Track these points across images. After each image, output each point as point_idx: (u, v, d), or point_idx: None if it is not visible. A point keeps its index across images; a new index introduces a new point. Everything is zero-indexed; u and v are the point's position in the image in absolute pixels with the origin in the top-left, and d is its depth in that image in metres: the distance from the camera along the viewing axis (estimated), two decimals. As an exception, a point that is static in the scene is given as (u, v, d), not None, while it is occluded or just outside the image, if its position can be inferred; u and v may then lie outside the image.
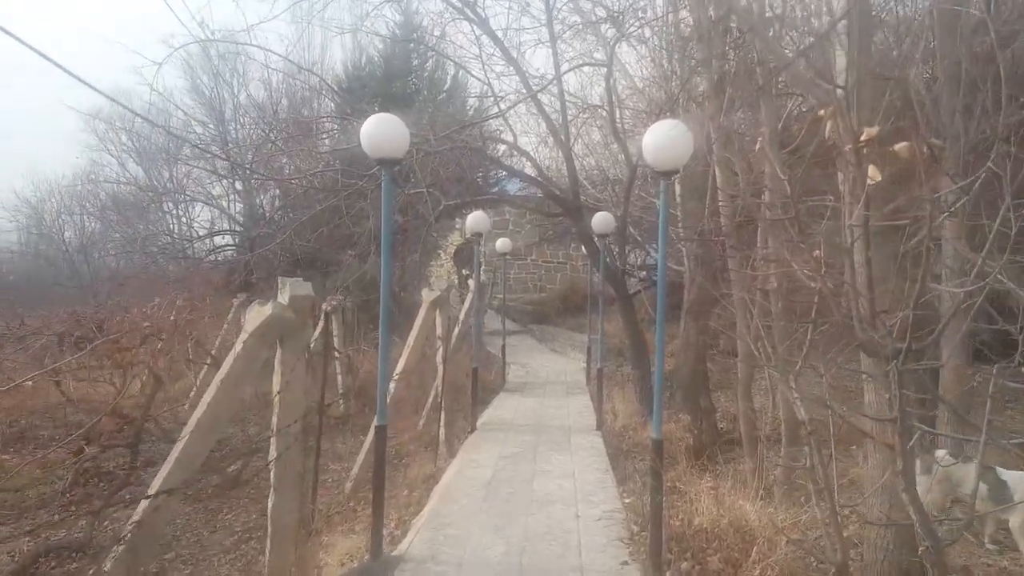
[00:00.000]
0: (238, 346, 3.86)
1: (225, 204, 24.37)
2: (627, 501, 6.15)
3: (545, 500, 6.04)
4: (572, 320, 18.26)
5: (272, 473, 4.11)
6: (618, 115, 9.33)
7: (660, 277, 4.64)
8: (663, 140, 4.37)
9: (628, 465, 7.71)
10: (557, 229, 18.69)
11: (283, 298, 3.98)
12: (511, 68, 9.24)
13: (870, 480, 5.32)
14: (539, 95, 9.21)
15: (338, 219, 12.15)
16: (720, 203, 7.78)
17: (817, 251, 5.34)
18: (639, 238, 11.89)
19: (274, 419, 4.08)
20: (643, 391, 9.95)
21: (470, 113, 10.89)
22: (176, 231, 25.69)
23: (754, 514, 5.08)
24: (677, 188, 10.72)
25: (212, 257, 23.32)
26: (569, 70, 8.92)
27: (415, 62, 19.18)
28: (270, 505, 4.13)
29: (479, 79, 9.41)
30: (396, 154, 4.71)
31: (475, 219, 9.26)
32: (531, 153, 10.50)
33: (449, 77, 18.43)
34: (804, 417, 3.45)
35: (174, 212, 26.70)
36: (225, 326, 17.01)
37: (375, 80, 16.97)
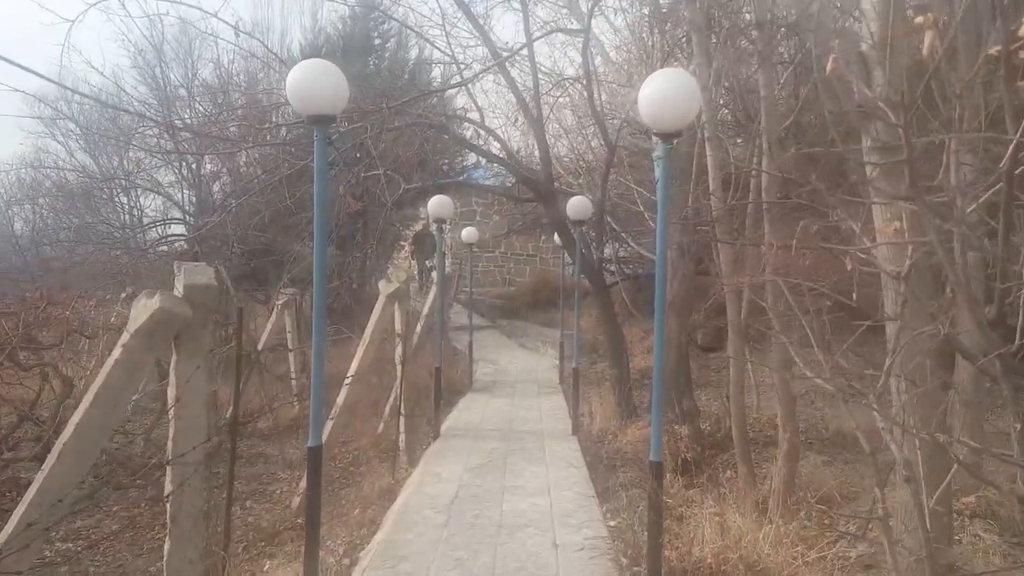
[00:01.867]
0: (116, 351, 2.92)
1: (175, 193, 23.00)
2: (612, 524, 5.33)
3: (517, 524, 5.19)
4: (543, 315, 17.43)
5: (168, 513, 3.19)
6: (595, 90, 8.47)
7: (659, 263, 3.80)
8: (664, 92, 3.53)
9: (610, 477, 6.90)
10: (527, 220, 17.82)
11: (177, 288, 3.06)
12: (477, 38, 8.34)
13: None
14: (509, 71, 8.32)
15: (281, 203, 11.14)
16: (711, 183, 6.97)
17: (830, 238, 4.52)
18: (615, 227, 11.06)
19: (169, 444, 3.15)
20: (621, 392, 9.15)
21: (434, 100, 9.99)
22: (128, 221, 24.28)
23: (768, 546, 4.27)
24: (657, 170, 9.93)
25: (163, 248, 22.01)
26: (541, 36, 8.06)
27: (376, 41, 18.10)
28: (165, 553, 3.20)
29: (443, 51, 8.47)
30: (331, 109, 3.79)
31: (437, 204, 8.35)
32: (500, 135, 9.60)
33: (413, 58, 17.42)
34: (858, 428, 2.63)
35: (124, 202, 25.23)
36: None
37: (333, 60, 15.85)
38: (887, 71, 3.94)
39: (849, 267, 2.43)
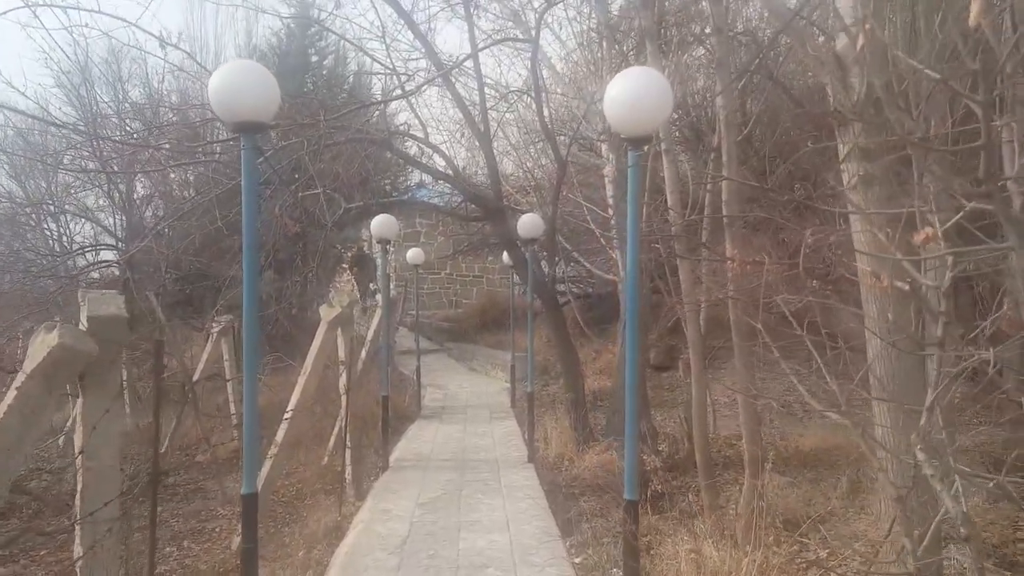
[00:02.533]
0: (10, 395, 2.43)
1: (106, 218, 21.81)
2: (577, 561, 4.96)
3: (476, 564, 4.77)
4: (491, 337, 17.04)
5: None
6: (544, 103, 8.22)
7: (630, 277, 3.49)
8: (633, 93, 3.24)
9: (571, 507, 6.53)
10: (472, 240, 17.46)
11: (82, 321, 2.59)
12: (420, 51, 8.01)
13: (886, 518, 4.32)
14: (454, 84, 7.99)
15: (212, 224, 10.51)
16: (669, 198, 6.76)
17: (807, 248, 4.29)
18: (567, 246, 10.81)
19: (77, 500, 2.64)
20: (577, 415, 8.83)
21: (375, 115, 9.62)
22: (56, 248, 22.99)
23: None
24: (608, 187, 9.75)
25: (94, 274, 20.86)
26: (487, 46, 7.76)
27: (314, 58, 17.59)
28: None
29: (383, 64, 8.08)
30: (259, 116, 3.37)
31: (381, 223, 7.93)
32: (445, 151, 9.25)
33: (351, 75, 16.95)
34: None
35: (53, 229, 23.94)
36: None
37: (281, 81, 15.32)
38: (866, 71, 3.75)
39: (884, 283, 2.12)
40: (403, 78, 7.29)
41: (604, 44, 9.29)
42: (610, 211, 9.78)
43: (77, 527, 2.69)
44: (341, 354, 8.43)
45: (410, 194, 18.18)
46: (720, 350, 11.82)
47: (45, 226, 24.36)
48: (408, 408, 11.68)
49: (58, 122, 13.58)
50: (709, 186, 7.67)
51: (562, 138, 10.20)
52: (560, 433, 8.71)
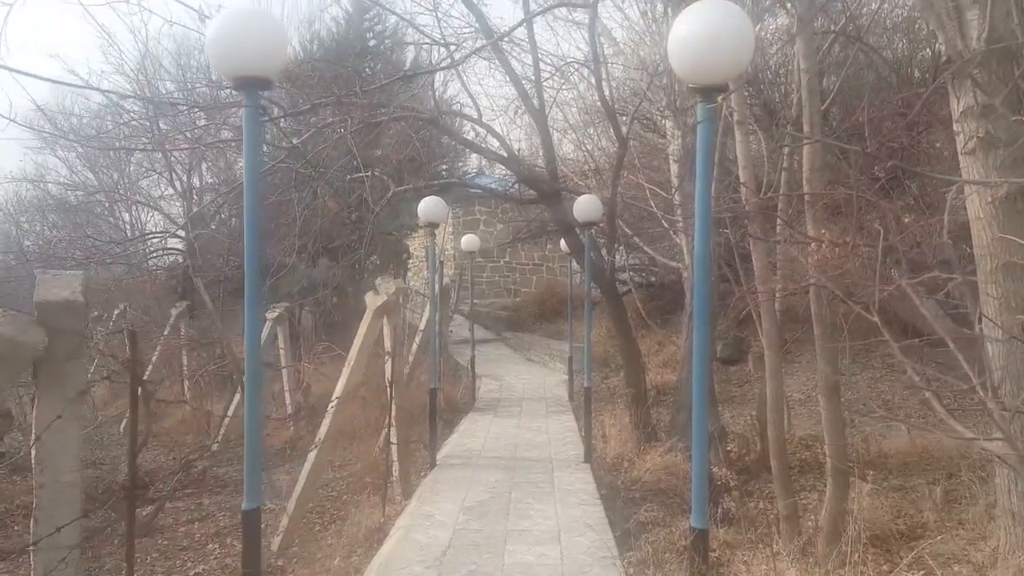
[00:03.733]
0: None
1: (170, 207, 22.24)
2: (637, 583, 4.39)
3: (521, 585, 4.27)
4: (550, 327, 16.50)
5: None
6: (604, 75, 7.59)
7: (698, 260, 2.89)
8: (704, 32, 2.63)
9: (630, 515, 5.96)
10: (532, 227, 16.90)
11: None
12: (472, 25, 7.48)
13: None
14: (508, 59, 7.44)
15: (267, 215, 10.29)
16: (741, 173, 6.06)
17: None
18: (628, 231, 10.15)
19: (32, 522, 2.24)
20: (638, 412, 8.21)
21: (422, 90, 9.18)
22: (126, 236, 23.66)
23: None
24: (672, 166, 9.04)
25: (158, 260, 21.31)
26: (542, 11, 7.17)
27: (371, 42, 17.31)
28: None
29: (430, 38, 7.58)
30: (263, 70, 2.90)
31: (428, 206, 7.46)
32: (499, 132, 8.70)
33: (409, 60, 16.60)
34: None
35: (126, 218, 24.66)
36: (163, 336, 15.11)
37: (326, 64, 15.09)
38: (988, 10, 3.04)
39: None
40: (452, 48, 6.77)
41: (669, 11, 8.57)
42: (674, 193, 9.08)
43: (31, 554, 2.29)
44: (387, 344, 8.05)
45: (467, 179, 17.78)
46: (794, 343, 10.97)
47: (118, 215, 25.13)
48: (462, 400, 11.28)
49: (120, 95, 13.60)
50: (786, 164, 6.93)
51: (623, 118, 9.55)
52: (620, 431, 8.12)
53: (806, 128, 5.67)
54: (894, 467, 8.21)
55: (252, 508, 2.90)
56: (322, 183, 8.01)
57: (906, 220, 5.01)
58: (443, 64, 6.66)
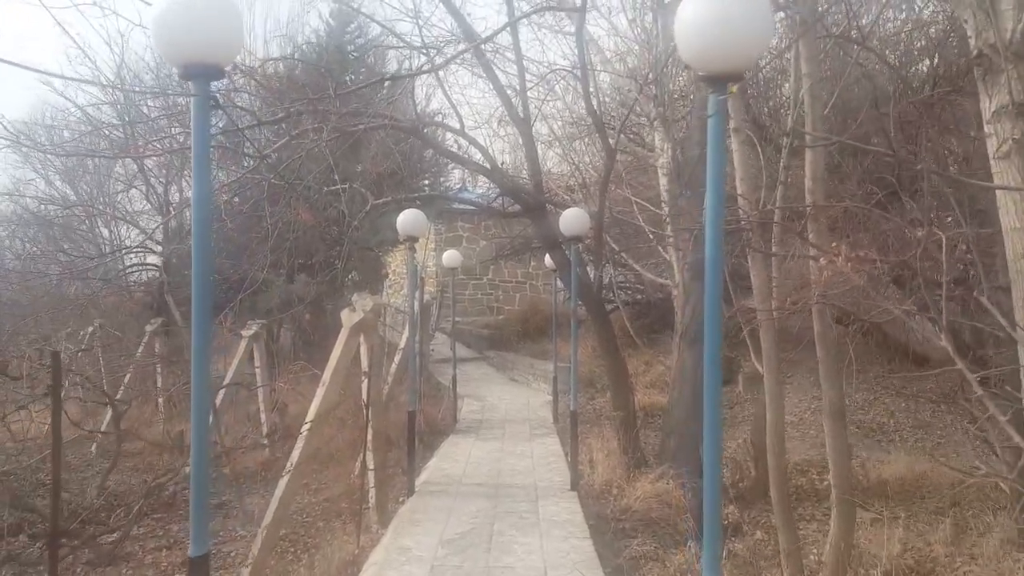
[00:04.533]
0: None
1: (147, 221, 21.68)
2: (631, 629, 4.00)
3: (505, 630, 3.85)
4: (533, 346, 16.10)
5: None
6: (591, 83, 7.29)
7: (710, 266, 2.54)
8: (717, 13, 2.30)
9: (620, 549, 5.56)
10: (516, 244, 16.58)
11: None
12: (454, 32, 7.16)
13: None
14: (492, 68, 7.13)
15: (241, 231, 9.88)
16: (739, 185, 5.76)
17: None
18: (615, 247, 9.84)
19: None
20: (628, 436, 7.84)
21: (399, 96, 8.87)
22: (102, 252, 23.08)
23: None
24: (662, 180, 8.76)
25: (135, 276, 20.74)
26: (528, 14, 6.85)
27: (353, 54, 16.99)
28: None
29: (408, 44, 7.27)
30: (215, 56, 2.55)
31: (408, 219, 7.09)
32: (481, 144, 8.37)
33: (392, 72, 16.30)
34: None
35: (105, 234, 24.10)
36: (138, 354, 14.57)
37: (305, 75, 14.76)
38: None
39: None
40: (433, 53, 6.45)
41: (658, 21, 8.33)
42: (664, 207, 8.80)
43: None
44: (364, 363, 7.64)
45: (452, 201, 17.42)
46: (787, 364, 10.69)
47: (97, 230, 24.54)
48: (443, 421, 10.84)
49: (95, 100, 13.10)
50: (782, 176, 6.64)
51: (610, 130, 9.27)
52: (607, 456, 7.74)
53: (808, 137, 5.39)
54: (894, 495, 7.90)
55: (200, 555, 2.49)
56: (295, 195, 7.61)
57: (919, 233, 4.71)
58: (424, 68, 6.31)
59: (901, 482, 8.09)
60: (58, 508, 2.72)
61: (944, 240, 4.38)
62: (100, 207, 22.00)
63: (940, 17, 7.63)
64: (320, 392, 7.19)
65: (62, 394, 11.74)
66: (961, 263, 4.89)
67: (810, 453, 9.65)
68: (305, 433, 6.98)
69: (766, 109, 10.21)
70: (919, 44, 8.25)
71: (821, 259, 4.52)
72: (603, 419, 10.34)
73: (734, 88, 2.49)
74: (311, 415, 7.06)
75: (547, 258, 9.59)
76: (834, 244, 4.52)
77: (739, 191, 5.78)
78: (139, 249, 20.82)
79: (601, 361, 10.80)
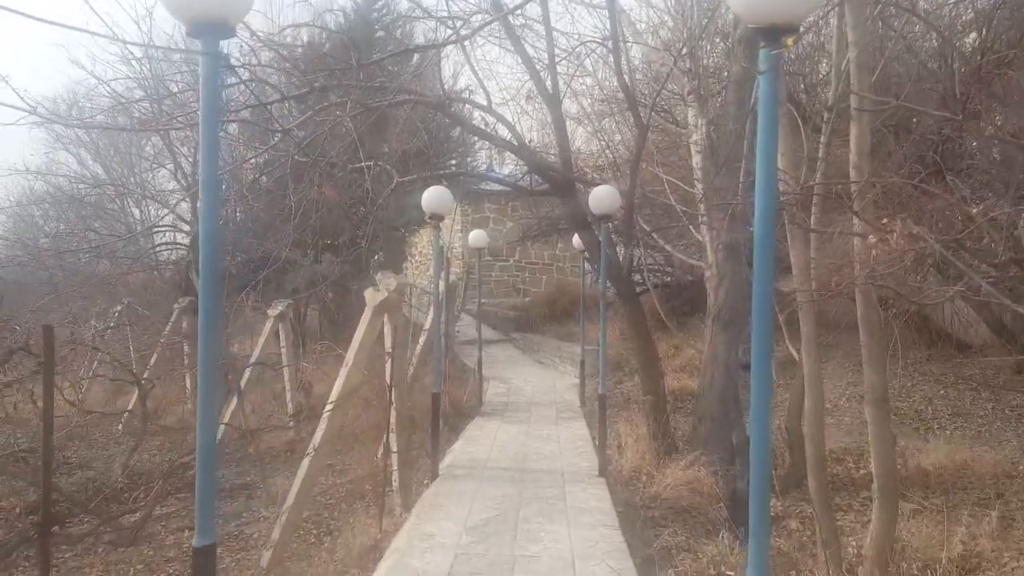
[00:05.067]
0: None
1: (175, 202, 21.79)
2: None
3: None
4: (560, 328, 15.90)
5: None
6: (623, 57, 7.01)
7: (761, 234, 2.31)
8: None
9: (651, 538, 5.38)
10: (543, 225, 16.34)
11: None
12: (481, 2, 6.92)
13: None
14: (516, 33, 6.88)
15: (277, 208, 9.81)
16: (780, 159, 5.47)
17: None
18: (646, 228, 9.57)
19: None
20: (657, 421, 7.63)
21: (425, 70, 8.72)
22: (138, 231, 23.31)
23: None
24: (695, 157, 8.46)
25: (164, 255, 20.90)
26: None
27: (379, 34, 16.77)
28: None
29: (433, 16, 7.05)
30: (223, 12, 2.37)
31: (433, 196, 6.90)
32: (509, 120, 8.12)
33: (421, 58, 16.07)
34: None
35: (135, 213, 24.30)
36: (165, 333, 14.66)
37: (331, 50, 14.59)
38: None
39: None
40: (459, 24, 6.21)
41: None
42: (697, 186, 8.50)
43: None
44: (388, 344, 7.50)
45: (478, 178, 17.19)
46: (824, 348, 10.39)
47: (128, 210, 24.76)
48: (468, 403, 10.71)
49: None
50: (822, 153, 6.33)
51: (642, 106, 8.98)
52: (636, 441, 7.54)
53: (853, 106, 5.09)
54: (934, 484, 7.60)
55: (205, 545, 2.35)
56: (319, 171, 7.47)
57: (974, 210, 4.41)
58: (451, 39, 6.08)
59: (941, 472, 7.78)
60: (49, 495, 2.60)
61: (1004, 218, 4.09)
62: (131, 187, 22.15)
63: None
64: (343, 372, 7.09)
65: (89, 372, 11.76)
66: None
67: (845, 440, 9.36)
68: (328, 414, 6.89)
69: (802, 86, 9.84)
70: (966, 16, 7.84)
71: (870, 237, 4.25)
72: (631, 403, 10.13)
73: (791, 41, 2.24)
74: (334, 396, 6.96)
75: (575, 239, 9.34)
76: (884, 221, 4.25)
77: (780, 167, 5.49)
78: (168, 228, 20.97)
79: (630, 344, 10.56)
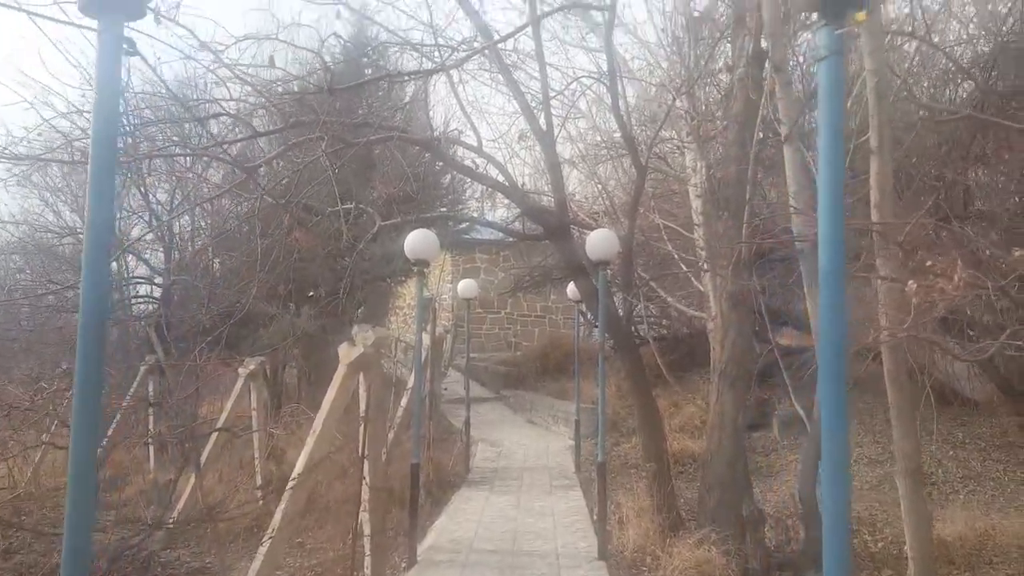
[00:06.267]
0: None
1: (153, 253, 21.07)
2: None
3: None
4: (553, 384, 15.11)
5: None
6: (620, 90, 6.52)
7: (824, 267, 1.66)
8: None
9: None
10: (535, 275, 15.72)
11: None
12: (473, 38, 6.45)
13: None
14: (508, 67, 6.38)
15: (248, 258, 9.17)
16: (791, 198, 4.91)
17: None
18: (644, 275, 8.98)
19: None
20: (662, 491, 6.86)
21: (434, 128, 8.28)
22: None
23: None
24: (694, 202, 7.92)
25: (136, 309, 20.12)
26: (550, 12, 6.10)
27: (368, 76, 16.45)
28: None
29: (418, 50, 6.58)
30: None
31: (417, 240, 6.31)
32: (499, 161, 7.59)
33: (408, 94, 15.70)
34: None
35: (113, 266, 23.59)
36: (129, 395, 13.76)
37: (324, 100, 14.20)
38: None
39: None
40: (446, 53, 5.70)
41: (691, 30, 7.58)
42: (696, 231, 7.95)
43: None
44: (363, 406, 6.75)
45: (471, 226, 16.64)
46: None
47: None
48: (454, 470, 9.87)
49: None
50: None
51: (640, 147, 8.49)
52: (639, 515, 6.74)
53: (873, 142, 4.55)
54: (958, 559, 6.86)
55: None
56: (290, 215, 6.86)
57: (1017, 254, 3.84)
58: (437, 68, 5.55)
59: (963, 543, 7.04)
60: None
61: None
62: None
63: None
64: (310, 441, 6.35)
65: (45, 437, 10.78)
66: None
67: (856, 507, 8.59)
68: (291, 491, 6.13)
69: (812, 122, 9.40)
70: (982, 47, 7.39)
71: (910, 283, 3.62)
72: (630, 468, 9.35)
73: (862, 15, 1.64)
74: (298, 468, 6.21)
75: (570, 287, 8.75)
76: (930, 264, 3.63)
77: (794, 205, 4.93)
78: (139, 280, 20.22)
79: (628, 401, 9.85)
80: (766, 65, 6.35)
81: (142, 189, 16.18)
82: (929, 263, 3.53)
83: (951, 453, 10.02)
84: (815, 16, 1.73)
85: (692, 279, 8.86)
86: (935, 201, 7.56)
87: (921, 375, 8.19)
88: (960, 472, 9.51)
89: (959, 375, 10.32)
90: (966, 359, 5.49)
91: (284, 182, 7.04)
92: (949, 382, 11.25)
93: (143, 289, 20.42)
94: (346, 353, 6.62)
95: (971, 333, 7.87)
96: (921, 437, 10.48)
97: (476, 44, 6.12)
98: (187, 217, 19.10)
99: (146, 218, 18.04)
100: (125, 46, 2.07)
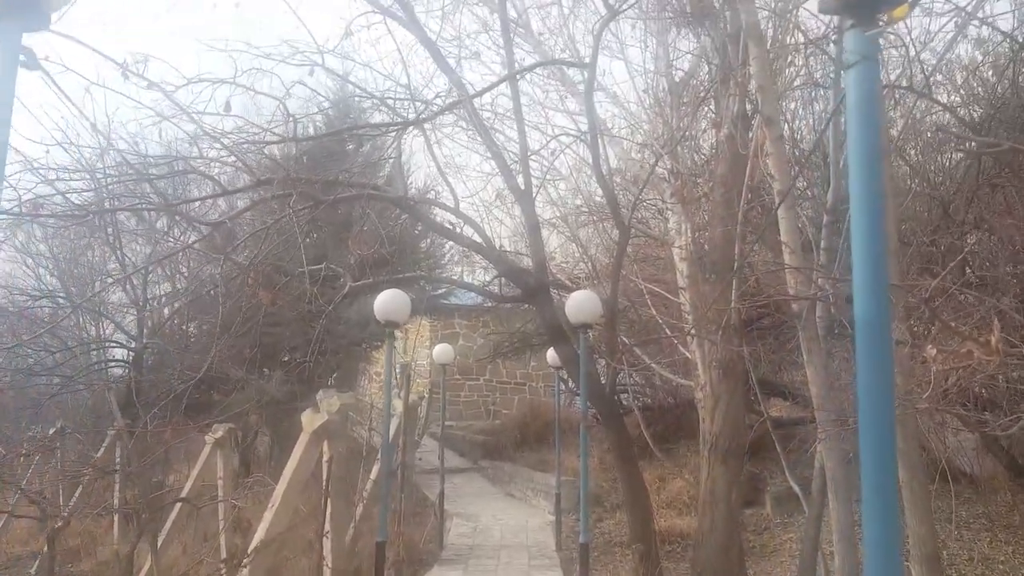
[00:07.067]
0: None
1: (124, 316, 20.57)
2: None
3: None
4: (532, 455, 14.50)
5: None
6: (602, 148, 6.34)
7: (860, 312, 1.31)
8: None
9: None
10: (514, 340, 15.33)
11: None
12: (449, 92, 6.30)
13: None
14: (484, 123, 6.20)
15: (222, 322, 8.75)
16: (787, 256, 4.64)
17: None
18: (626, 340, 8.63)
19: None
20: (649, 575, 6.35)
21: (414, 191, 8.08)
22: (71, 345, 21.85)
23: None
24: (679, 265, 7.67)
25: (107, 374, 19.44)
26: (528, 69, 5.94)
27: (349, 147, 16.41)
28: None
29: (390, 107, 6.41)
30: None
31: (387, 300, 5.97)
32: (476, 221, 7.34)
33: (388, 163, 15.62)
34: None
35: (91, 331, 23.02)
36: (91, 462, 13.01)
37: (306, 168, 14.00)
38: None
39: None
40: (421, 107, 5.51)
41: (672, 91, 7.50)
42: (681, 295, 7.67)
43: None
44: (325, 475, 6.25)
45: (448, 289, 16.34)
46: (805, 480, 9.28)
47: (83, 327, 23.43)
48: (426, 547, 9.24)
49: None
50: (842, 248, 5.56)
51: (622, 209, 8.30)
52: (624, 601, 6.22)
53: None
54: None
55: None
56: (255, 275, 6.51)
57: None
58: (411, 121, 5.34)
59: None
60: None
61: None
62: (74, 299, 20.98)
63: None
64: (267, 515, 5.83)
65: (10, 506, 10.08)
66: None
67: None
68: (247, 567, 5.58)
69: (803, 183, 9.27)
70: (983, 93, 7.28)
71: (929, 348, 3.31)
72: (613, 547, 8.80)
73: (903, 9, 1.36)
74: (255, 542, 5.68)
75: (549, 353, 8.38)
76: (954, 325, 3.33)
77: (790, 265, 4.66)
78: (113, 344, 19.63)
79: (611, 474, 9.36)
80: (752, 124, 6.24)
81: (115, 244, 15.84)
82: (953, 324, 3.22)
83: (956, 533, 9.55)
84: (842, 19, 1.47)
85: (679, 345, 8.54)
86: (926, 266, 7.38)
87: (924, 450, 7.83)
88: (966, 554, 9.04)
89: (965, 449, 9.94)
90: (990, 432, 5.13)
91: (246, 240, 6.72)
92: (953, 457, 10.86)
93: (118, 353, 19.85)
94: (309, 420, 6.18)
95: (967, 405, 7.58)
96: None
97: (450, 97, 5.95)
98: (164, 281, 18.76)
99: (121, 281, 17.65)
100: (23, 57, 1.79)
